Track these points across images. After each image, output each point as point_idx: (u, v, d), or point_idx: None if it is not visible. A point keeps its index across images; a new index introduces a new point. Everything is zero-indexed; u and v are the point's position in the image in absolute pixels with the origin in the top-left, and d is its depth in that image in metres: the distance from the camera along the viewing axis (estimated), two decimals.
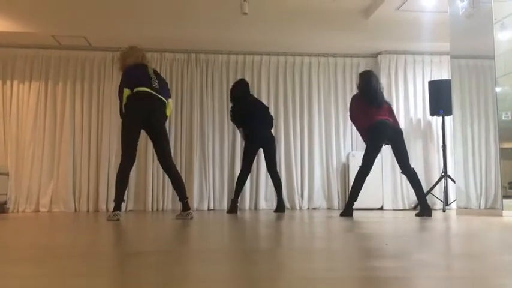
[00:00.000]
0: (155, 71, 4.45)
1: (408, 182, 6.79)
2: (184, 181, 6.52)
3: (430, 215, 4.71)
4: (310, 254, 1.89)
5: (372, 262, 1.62)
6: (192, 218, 4.29)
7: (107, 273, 1.46)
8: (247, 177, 5.80)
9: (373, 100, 4.90)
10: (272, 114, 6.94)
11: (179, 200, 4.40)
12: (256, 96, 6.78)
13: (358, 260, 1.68)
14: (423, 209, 4.79)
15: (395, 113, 5.26)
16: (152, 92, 4.19)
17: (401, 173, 5.01)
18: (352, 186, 4.92)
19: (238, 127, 5.88)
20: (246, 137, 5.75)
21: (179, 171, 6.45)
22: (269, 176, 6.79)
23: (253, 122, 5.68)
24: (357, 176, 4.83)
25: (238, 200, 5.79)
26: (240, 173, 5.75)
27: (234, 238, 2.60)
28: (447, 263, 1.61)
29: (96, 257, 1.81)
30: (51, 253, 1.92)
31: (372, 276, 1.36)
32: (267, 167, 5.83)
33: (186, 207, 4.34)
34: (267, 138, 5.78)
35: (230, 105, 5.94)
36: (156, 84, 4.24)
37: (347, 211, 4.85)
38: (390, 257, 1.74)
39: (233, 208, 5.67)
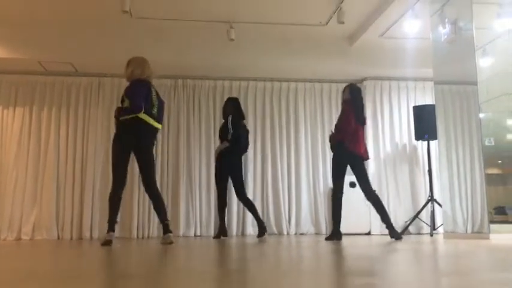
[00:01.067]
0: (157, 92, 4.51)
1: (395, 207, 6.86)
2: (169, 207, 6.55)
3: (400, 237, 4.81)
4: (298, 273, 1.86)
5: (360, 280, 1.59)
6: (171, 242, 4.22)
7: None
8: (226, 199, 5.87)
9: (363, 120, 5.04)
10: (259, 139, 6.99)
11: (160, 222, 4.39)
12: (243, 121, 6.82)
13: (345, 278, 1.66)
14: (392, 232, 4.84)
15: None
16: (150, 122, 4.29)
17: (366, 199, 5.03)
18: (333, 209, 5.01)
19: (228, 140, 5.78)
20: (218, 156, 5.77)
21: (164, 196, 6.49)
22: (256, 202, 6.78)
23: (236, 148, 5.73)
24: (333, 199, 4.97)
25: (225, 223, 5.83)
26: (219, 198, 5.79)
27: (222, 261, 2.56)
28: (436, 280, 1.59)
29: (81, 279, 1.76)
30: (32, 275, 1.86)
31: None
32: (236, 193, 5.84)
33: (166, 229, 4.29)
34: (236, 167, 5.80)
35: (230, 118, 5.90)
36: (155, 112, 4.32)
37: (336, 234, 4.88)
38: (378, 275, 1.72)
39: (222, 231, 5.66)
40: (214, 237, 5.77)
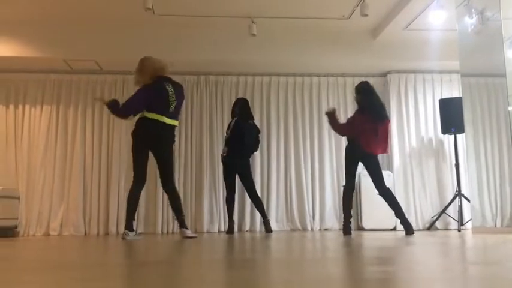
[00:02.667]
0: (173, 83, 4.50)
1: (421, 203, 6.75)
2: (192, 203, 6.63)
3: (412, 232, 4.72)
4: (320, 262, 1.84)
5: (387, 267, 1.57)
6: (192, 237, 4.29)
7: (115, 278, 1.42)
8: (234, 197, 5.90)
9: (380, 117, 4.96)
10: (282, 134, 6.96)
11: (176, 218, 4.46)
12: (265, 117, 6.82)
13: (371, 266, 1.63)
14: (406, 227, 4.79)
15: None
16: (163, 120, 4.32)
17: (378, 194, 4.97)
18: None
19: (226, 144, 5.85)
20: (224, 158, 5.79)
21: (188, 193, 6.59)
22: (279, 197, 6.79)
23: (238, 149, 5.72)
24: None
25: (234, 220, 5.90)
26: (228, 196, 5.83)
27: (250, 251, 2.55)
28: (463, 268, 1.55)
29: (104, 266, 1.78)
30: (59, 264, 1.89)
31: (389, 278, 1.31)
32: (248, 192, 5.87)
33: (183, 224, 4.35)
34: (243, 167, 5.81)
35: (232, 120, 5.95)
36: (172, 108, 4.34)
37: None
38: (406, 263, 1.68)
39: (231, 229, 5.74)
40: (227, 232, 5.82)
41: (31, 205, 6.54)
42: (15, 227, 6.39)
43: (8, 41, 6.24)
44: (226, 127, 6.91)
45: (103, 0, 5.69)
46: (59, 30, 6.23)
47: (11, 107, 6.78)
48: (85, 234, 6.53)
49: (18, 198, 6.50)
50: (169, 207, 6.60)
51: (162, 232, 6.56)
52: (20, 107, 6.78)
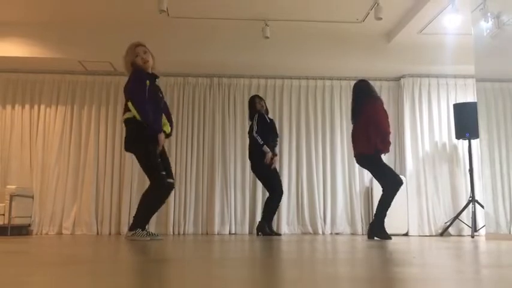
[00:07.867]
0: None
1: (434, 208, 6.70)
2: (204, 205, 6.64)
3: (372, 237, 4.65)
4: (334, 261, 1.83)
5: (400, 268, 1.55)
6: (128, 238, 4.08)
7: (128, 274, 1.43)
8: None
9: (353, 116, 5.08)
10: (294, 138, 6.96)
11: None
12: (277, 119, 6.80)
13: (385, 266, 1.62)
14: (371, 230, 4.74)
15: None
16: None
17: None
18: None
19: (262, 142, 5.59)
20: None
21: (200, 194, 6.61)
22: (291, 200, 6.77)
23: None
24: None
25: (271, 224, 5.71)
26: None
27: (264, 250, 2.55)
28: (477, 270, 1.54)
29: (118, 262, 1.79)
30: (70, 260, 1.91)
31: (401, 278, 1.30)
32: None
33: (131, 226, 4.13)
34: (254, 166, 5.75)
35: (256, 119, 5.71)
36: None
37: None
38: (418, 265, 1.67)
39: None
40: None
41: (45, 204, 6.61)
42: (29, 225, 6.47)
43: (24, 42, 6.33)
44: (239, 129, 6.92)
45: (118, 3, 5.75)
46: (75, 32, 6.31)
47: (27, 107, 6.86)
48: (97, 233, 6.57)
49: (32, 197, 6.57)
50: (180, 209, 6.69)
51: (173, 233, 6.58)
52: (36, 107, 6.86)
